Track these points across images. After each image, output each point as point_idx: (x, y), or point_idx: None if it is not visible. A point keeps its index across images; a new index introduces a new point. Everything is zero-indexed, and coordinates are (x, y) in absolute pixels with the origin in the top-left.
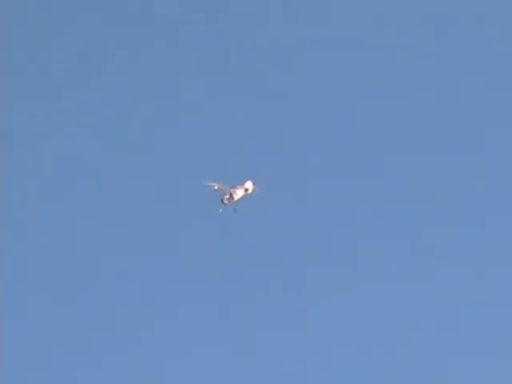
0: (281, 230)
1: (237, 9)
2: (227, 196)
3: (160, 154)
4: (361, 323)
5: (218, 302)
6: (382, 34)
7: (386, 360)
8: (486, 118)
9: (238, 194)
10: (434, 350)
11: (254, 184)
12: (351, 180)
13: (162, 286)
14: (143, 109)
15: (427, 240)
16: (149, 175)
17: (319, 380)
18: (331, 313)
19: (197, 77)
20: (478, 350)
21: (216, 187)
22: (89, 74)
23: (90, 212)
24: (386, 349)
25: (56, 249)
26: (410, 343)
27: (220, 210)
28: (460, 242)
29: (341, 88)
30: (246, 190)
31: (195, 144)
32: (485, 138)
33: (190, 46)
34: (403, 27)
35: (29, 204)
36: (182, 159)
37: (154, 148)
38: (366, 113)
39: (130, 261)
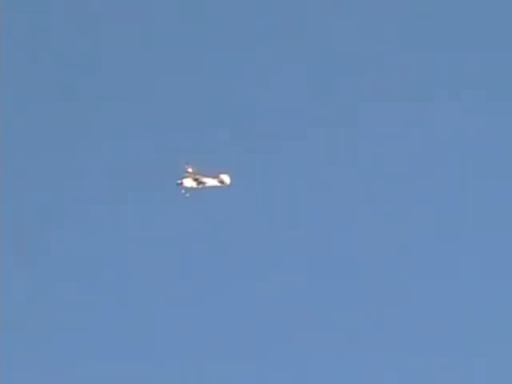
0: None
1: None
2: (190, 179)
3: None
4: None
5: None
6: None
7: None
8: None
9: (208, 182)
10: None
11: (229, 178)
12: None
13: None
14: None
15: None
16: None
17: None
18: None
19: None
20: None
21: (190, 170)
22: None
23: None
24: None
25: None
26: None
27: (183, 191)
28: None
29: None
30: (222, 182)
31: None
32: None
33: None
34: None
35: None
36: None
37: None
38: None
39: None
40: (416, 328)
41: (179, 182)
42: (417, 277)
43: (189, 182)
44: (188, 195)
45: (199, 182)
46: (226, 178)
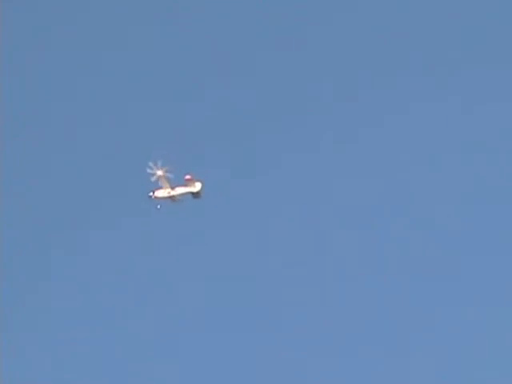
0: None
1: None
2: (162, 190)
3: None
4: None
5: None
6: None
7: None
8: None
9: (179, 191)
10: None
11: (202, 186)
12: None
13: None
14: None
15: None
16: None
17: None
18: None
19: None
20: None
21: (160, 173)
22: None
23: None
24: None
25: None
26: None
27: (158, 207)
28: None
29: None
30: (195, 191)
31: None
32: None
33: None
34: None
35: None
36: None
37: None
38: None
39: None
40: (415, 329)
41: (151, 193)
42: (416, 277)
43: (160, 193)
44: (159, 207)
45: (171, 191)
46: (198, 186)
